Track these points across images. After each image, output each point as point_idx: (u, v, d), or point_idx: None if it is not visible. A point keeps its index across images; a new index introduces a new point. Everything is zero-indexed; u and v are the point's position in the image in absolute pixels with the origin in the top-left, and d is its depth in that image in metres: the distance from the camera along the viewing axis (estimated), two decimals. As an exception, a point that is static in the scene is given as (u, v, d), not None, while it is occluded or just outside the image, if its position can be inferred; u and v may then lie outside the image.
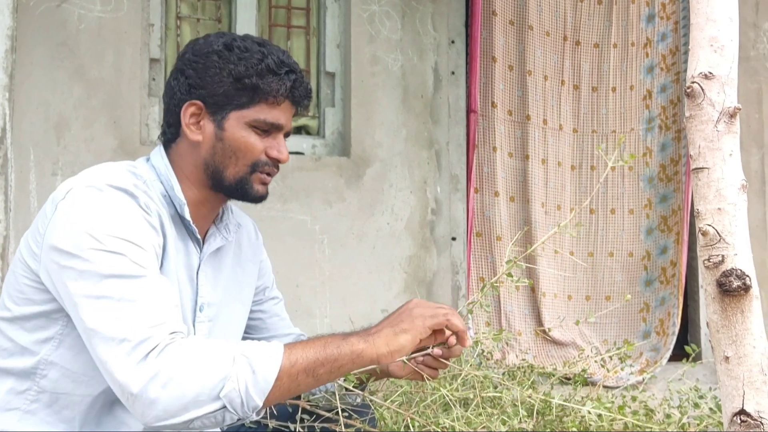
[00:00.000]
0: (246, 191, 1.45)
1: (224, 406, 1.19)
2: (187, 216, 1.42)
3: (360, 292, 3.19)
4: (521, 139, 3.58)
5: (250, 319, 1.69)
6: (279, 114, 1.44)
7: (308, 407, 1.54)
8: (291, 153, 3.17)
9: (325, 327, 3.12)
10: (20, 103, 2.76)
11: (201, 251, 1.48)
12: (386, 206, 3.29)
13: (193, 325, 1.46)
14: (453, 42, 3.46)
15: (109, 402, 1.35)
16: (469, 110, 3.44)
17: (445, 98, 3.43)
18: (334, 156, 3.28)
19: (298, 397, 1.60)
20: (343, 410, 1.47)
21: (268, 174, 1.47)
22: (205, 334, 1.48)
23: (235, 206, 1.62)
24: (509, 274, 1.35)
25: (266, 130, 1.45)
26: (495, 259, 3.48)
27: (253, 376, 1.21)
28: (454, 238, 3.39)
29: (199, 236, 1.47)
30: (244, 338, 1.70)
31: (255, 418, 1.24)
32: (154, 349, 1.18)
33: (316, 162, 3.19)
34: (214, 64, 1.42)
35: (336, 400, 1.42)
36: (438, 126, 3.40)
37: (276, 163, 1.46)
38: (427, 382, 1.34)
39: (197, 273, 1.47)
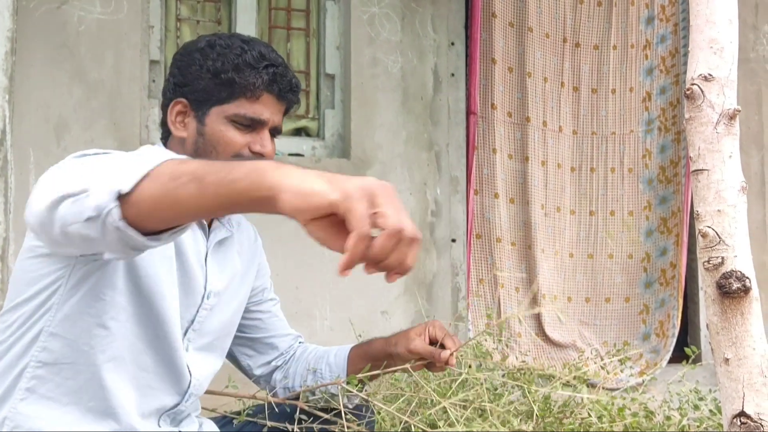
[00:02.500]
0: None
1: (86, 189, 1.03)
2: None
3: (360, 294, 3.18)
4: (521, 140, 3.57)
5: (249, 319, 1.69)
6: (260, 108, 1.45)
7: (306, 408, 1.54)
8: (291, 155, 3.20)
9: (325, 329, 3.11)
10: (20, 105, 2.76)
11: (207, 239, 1.50)
12: (386, 208, 3.28)
13: (197, 311, 1.46)
14: (453, 44, 3.46)
15: (111, 375, 1.34)
16: (469, 112, 3.44)
17: (444, 100, 3.43)
18: (334, 158, 3.28)
19: (297, 398, 1.60)
20: (340, 413, 1.47)
21: None
22: (203, 323, 1.49)
23: None
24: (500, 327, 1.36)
25: (248, 125, 1.45)
26: (495, 260, 3.49)
27: (128, 157, 1.11)
28: (453, 240, 3.39)
29: (205, 222, 1.49)
30: (243, 340, 1.71)
31: (118, 223, 1.02)
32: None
33: (316, 164, 3.19)
34: (196, 61, 1.47)
35: (337, 400, 1.42)
36: (438, 128, 3.40)
37: (259, 158, 1.44)
38: (428, 386, 1.34)
39: (206, 260, 1.49)
